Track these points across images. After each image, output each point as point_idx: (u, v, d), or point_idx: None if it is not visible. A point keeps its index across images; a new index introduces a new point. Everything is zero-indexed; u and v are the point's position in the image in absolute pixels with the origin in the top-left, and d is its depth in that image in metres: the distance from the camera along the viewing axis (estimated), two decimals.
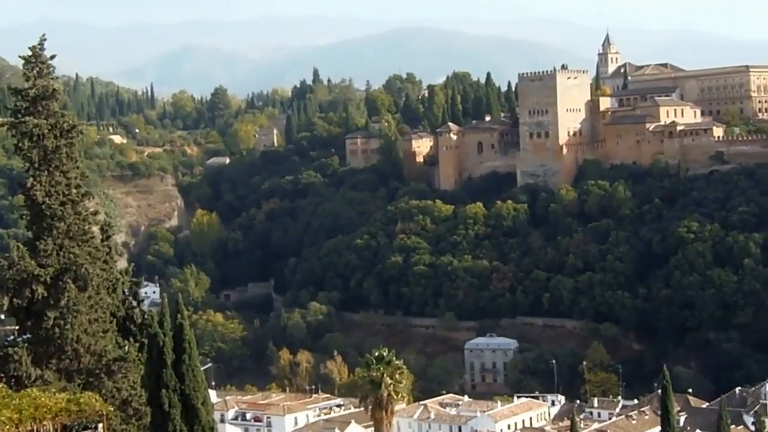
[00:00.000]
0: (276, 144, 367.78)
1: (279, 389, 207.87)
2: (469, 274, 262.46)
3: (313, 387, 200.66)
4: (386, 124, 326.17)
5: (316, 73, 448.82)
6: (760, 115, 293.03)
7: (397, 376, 78.78)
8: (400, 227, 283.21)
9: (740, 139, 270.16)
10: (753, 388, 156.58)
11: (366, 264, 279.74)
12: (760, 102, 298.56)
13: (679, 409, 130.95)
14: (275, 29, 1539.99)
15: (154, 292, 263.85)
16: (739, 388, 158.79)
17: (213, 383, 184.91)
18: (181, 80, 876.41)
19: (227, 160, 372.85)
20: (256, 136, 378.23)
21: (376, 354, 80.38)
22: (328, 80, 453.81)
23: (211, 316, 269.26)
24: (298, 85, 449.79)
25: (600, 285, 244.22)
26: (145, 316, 48.36)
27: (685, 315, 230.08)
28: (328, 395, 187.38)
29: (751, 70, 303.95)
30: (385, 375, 77.66)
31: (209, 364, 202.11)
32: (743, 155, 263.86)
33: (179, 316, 44.56)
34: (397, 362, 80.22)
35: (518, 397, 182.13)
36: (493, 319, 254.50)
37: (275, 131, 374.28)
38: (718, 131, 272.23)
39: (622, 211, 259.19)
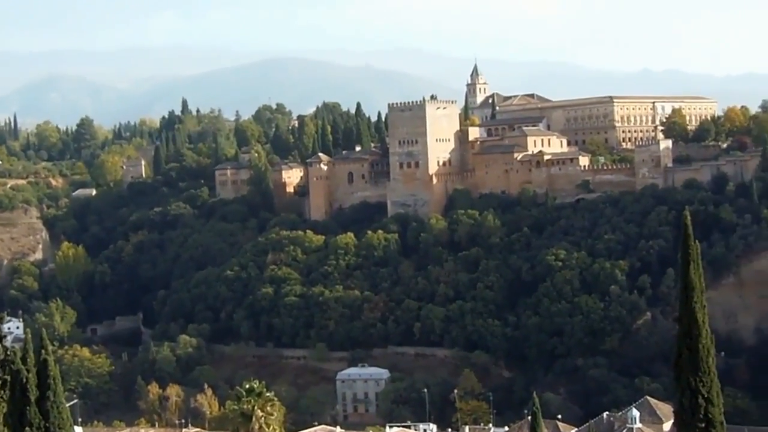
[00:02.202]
0: (144, 175, 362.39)
1: (148, 424, 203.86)
2: (341, 305, 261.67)
3: (183, 421, 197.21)
4: (256, 154, 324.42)
5: (184, 104, 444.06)
6: (623, 144, 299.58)
7: (268, 408, 77.79)
8: (271, 258, 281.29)
9: (605, 168, 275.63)
10: (620, 413, 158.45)
11: (236, 295, 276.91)
12: (623, 132, 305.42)
13: None
14: (143, 59, 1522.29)
15: (17, 328, 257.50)
16: (607, 413, 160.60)
17: (79, 420, 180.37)
18: (45, 110, 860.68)
19: (94, 192, 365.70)
20: (124, 167, 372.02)
21: (247, 386, 79.31)
22: (197, 111, 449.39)
23: (78, 351, 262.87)
24: (167, 116, 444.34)
25: (470, 313, 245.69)
26: (8, 353, 46.50)
27: (554, 342, 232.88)
28: (198, 429, 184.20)
29: (614, 100, 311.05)
30: (256, 407, 76.63)
31: (75, 400, 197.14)
32: (608, 184, 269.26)
33: (43, 351, 43.00)
34: (268, 394, 79.25)
35: (390, 426, 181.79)
36: (365, 349, 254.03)
37: (143, 162, 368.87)
38: (584, 160, 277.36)
39: (491, 239, 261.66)
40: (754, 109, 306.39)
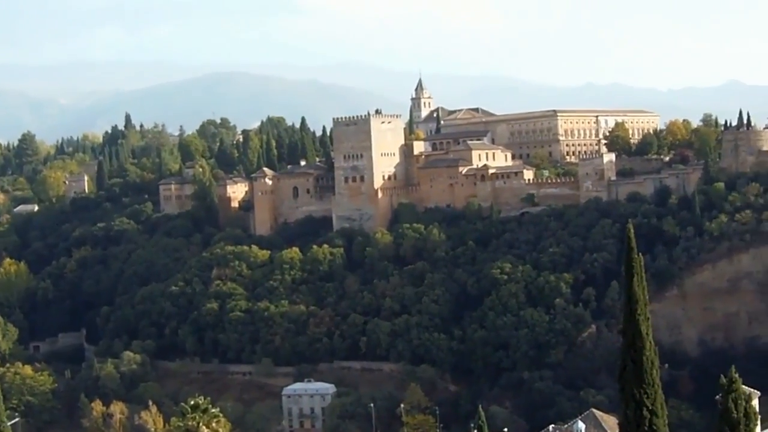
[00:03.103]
0: (87, 191, 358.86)
1: None
2: (286, 320, 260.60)
3: None
4: (200, 169, 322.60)
5: (128, 119, 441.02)
6: (567, 158, 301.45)
7: (213, 424, 76.92)
8: (216, 273, 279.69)
9: (549, 181, 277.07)
10: (566, 425, 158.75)
11: (181, 311, 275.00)
12: (567, 145, 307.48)
13: None
14: (86, 74, 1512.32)
15: None
16: (552, 425, 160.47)
17: None
18: None
19: (36, 208, 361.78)
20: (66, 182, 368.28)
21: (192, 402, 78.38)
22: (141, 126, 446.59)
23: (20, 369, 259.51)
24: (110, 131, 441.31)
25: (416, 327, 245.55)
26: None
27: (500, 355, 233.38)
28: None
29: (558, 114, 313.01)
30: (201, 424, 75.73)
31: (17, 419, 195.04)
32: (552, 197, 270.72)
33: None
34: (213, 410, 78.39)
35: None
36: (311, 364, 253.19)
37: (86, 178, 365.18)
38: (529, 174, 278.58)
39: (436, 253, 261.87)
40: (695, 122, 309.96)
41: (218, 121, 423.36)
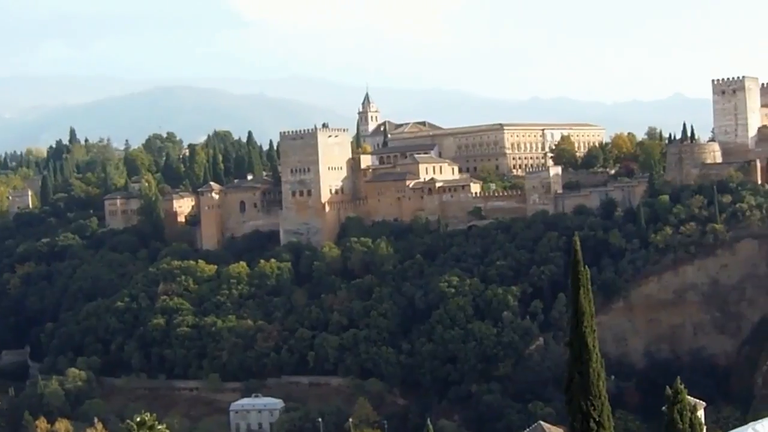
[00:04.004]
0: (31, 206, 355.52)
1: None
2: (234, 335, 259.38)
3: None
4: (146, 183, 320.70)
5: (72, 133, 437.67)
6: (514, 171, 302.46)
7: None
8: (162, 288, 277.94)
9: (496, 194, 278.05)
10: None
11: (127, 327, 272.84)
12: (514, 159, 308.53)
13: None
14: (29, 88, 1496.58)
15: None
16: None
17: None
18: None
19: None
20: (10, 197, 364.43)
21: (138, 419, 77.32)
22: (86, 140, 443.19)
23: None
24: (54, 145, 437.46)
25: (365, 341, 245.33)
26: None
27: (448, 368, 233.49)
28: None
29: (505, 128, 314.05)
30: None
31: None
32: (499, 210, 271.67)
33: None
34: (160, 427, 77.19)
35: None
36: (259, 379, 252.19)
37: (30, 192, 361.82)
38: (476, 187, 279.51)
39: (384, 267, 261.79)
40: (640, 135, 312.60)
41: (164, 135, 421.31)
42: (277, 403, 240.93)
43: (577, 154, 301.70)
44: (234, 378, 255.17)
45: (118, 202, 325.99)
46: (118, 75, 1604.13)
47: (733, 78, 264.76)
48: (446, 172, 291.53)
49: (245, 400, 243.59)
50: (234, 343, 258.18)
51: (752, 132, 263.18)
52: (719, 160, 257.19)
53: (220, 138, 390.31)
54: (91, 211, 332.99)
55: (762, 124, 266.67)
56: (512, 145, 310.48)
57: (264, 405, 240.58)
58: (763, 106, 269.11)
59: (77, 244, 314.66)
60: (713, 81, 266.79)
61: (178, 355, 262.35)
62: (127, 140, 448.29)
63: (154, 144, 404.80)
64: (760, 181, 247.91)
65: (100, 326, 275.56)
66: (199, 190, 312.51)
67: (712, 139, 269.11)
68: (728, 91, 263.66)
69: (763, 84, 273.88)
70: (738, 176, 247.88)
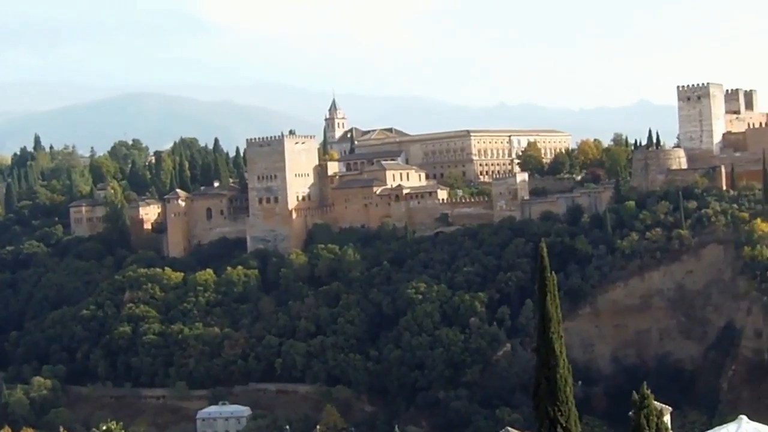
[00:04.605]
0: None
1: None
2: (201, 342, 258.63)
3: None
4: (112, 191, 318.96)
5: (37, 140, 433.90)
6: (481, 177, 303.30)
7: None
8: (128, 296, 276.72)
9: (463, 201, 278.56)
10: None
11: (93, 335, 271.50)
12: (480, 165, 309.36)
13: None
14: None
15: None
16: None
17: None
18: None
19: None
20: None
21: (104, 428, 77.27)
22: (51, 147, 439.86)
23: None
24: (19, 152, 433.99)
25: (332, 348, 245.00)
26: None
27: (416, 375, 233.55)
28: None
29: (471, 134, 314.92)
30: None
31: None
32: (466, 217, 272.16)
33: None
34: None
35: None
36: (226, 386, 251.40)
37: None
38: (443, 194, 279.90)
39: (351, 274, 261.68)
40: (606, 142, 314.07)
41: (130, 142, 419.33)
42: (244, 410, 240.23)
43: (544, 160, 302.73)
44: (201, 386, 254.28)
45: (84, 209, 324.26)
46: (83, 82, 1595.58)
47: (697, 84, 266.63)
48: (413, 179, 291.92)
49: (212, 408, 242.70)
50: (201, 351, 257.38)
51: (717, 138, 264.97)
52: (685, 166, 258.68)
53: (186, 145, 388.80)
54: (56, 218, 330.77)
55: (726, 131, 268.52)
56: (479, 151, 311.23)
57: (231, 412, 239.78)
58: (727, 112, 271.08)
59: (42, 251, 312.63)
60: (678, 88, 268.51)
61: (144, 363, 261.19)
62: (92, 147, 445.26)
63: (119, 151, 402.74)
64: (725, 187, 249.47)
65: (66, 334, 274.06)
66: (165, 197, 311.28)
67: (678, 146, 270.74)
68: (693, 97, 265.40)
69: (727, 90, 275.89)
70: (703, 182, 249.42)
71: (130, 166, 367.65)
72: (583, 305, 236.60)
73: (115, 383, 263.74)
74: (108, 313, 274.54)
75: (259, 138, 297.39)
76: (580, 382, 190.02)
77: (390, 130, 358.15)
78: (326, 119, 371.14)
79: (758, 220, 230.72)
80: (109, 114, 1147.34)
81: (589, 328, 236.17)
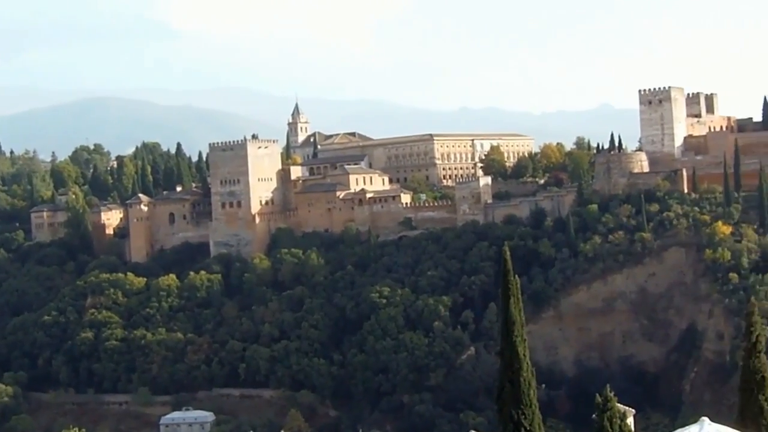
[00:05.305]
0: None
1: None
2: (164, 347, 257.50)
3: None
4: (74, 196, 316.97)
5: None
6: (444, 181, 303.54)
7: None
8: (91, 302, 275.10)
9: (427, 205, 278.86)
10: None
11: (55, 341, 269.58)
12: (444, 169, 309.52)
13: None
14: None
15: None
16: None
17: None
18: None
19: None
20: None
21: None
22: (11, 152, 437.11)
23: None
24: None
25: (296, 353, 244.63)
26: None
27: (380, 379, 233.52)
28: None
29: (435, 138, 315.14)
30: None
31: None
32: (430, 221, 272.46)
33: None
34: None
35: None
36: (189, 392, 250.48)
37: None
38: (406, 198, 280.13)
39: (315, 278, 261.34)
40: (569, 145, 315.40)
41: (92, 147, 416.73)
42: (207, 416, 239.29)
43: (507, 164, 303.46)
44: (164, 391, 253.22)
45: (45, 214, 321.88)
46: (44, 86, 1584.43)
47: (659, 88, 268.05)
48: (376, 183, 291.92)
49: (175, 414, 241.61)
50: (164, 356, 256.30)
51: (678, 142, 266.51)
52: (646, 169, 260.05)
53: (148, 149, 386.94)
54: (17, 224, 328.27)
55: (688, 134, 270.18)
56: (442, 155, 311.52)
57: (195, 418, 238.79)
58: (688, 116, 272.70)
59: (3, 257, 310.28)
60: (640, 91, 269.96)
61: (106, 369, 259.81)
62: (53, 152, 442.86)
63: (81, 156, 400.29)
64: (686, 190, 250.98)
65: (27, 341, 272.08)
66: (127, 202, 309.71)
67: (640, 149, 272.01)
68: (654, 101, 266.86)
69: (688, 94, 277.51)
70: (665, 185, 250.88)
71: (91, 171, 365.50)
72: (547, 308, 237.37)
73: (78, 389, 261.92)
74: (70, 318, 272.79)
75: (221, 142, 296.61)
76: (543, 385, 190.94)
77: (353, 134, 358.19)
78: (289, 123, 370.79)
79: (719, 223, 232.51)
80: (70, 119, 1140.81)
81: (553, 332, 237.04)
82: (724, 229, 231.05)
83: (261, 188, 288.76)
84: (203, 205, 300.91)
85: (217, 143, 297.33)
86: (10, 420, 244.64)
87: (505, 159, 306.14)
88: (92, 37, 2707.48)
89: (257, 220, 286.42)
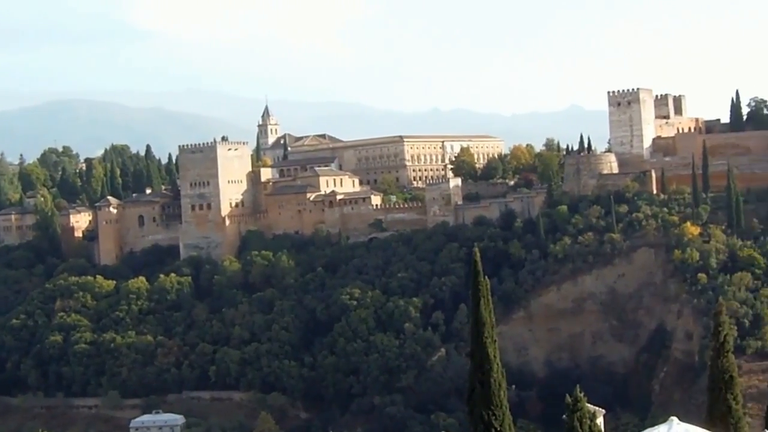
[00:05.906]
0: None
1: None
2: (133, 350, 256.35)
3: None
4: (42, 198, 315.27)
5: None
6: (414, 183, 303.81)
7: None
8: (60, 305, 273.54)
9: (397, 206, 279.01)
10: None
11: (23, 345, 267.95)
12: (414, 170, 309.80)
13: None
14: None
15: None
16: None
17: None
18: None
19: None
20: None
21: None
22: None
23: None
24: None
25: (266, 355, 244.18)
26: None
27: (351, 381, 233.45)
28: None
29: (405, 140, 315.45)
30: None
31: None
32: (400, 222, 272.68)
33: None
34: None
35: None
36: (159, 395, 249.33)
37: None
38: (376, 199, 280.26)
39: (285, 280, 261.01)
40: (538, 147, 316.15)
41: (60, 149, 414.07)
42: (178, 419, 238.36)
43: (477, 165, 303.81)
44: (134, 395, 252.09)
45: (13, 217, 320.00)
46: (11, 88, 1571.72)
47: (627, 90, 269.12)
48: (347, 185, 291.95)
49: (145, 417, 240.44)
50: (134, 360, 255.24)
51: (647, 143, 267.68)
52: (616, 170, 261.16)
53: (117, 152, 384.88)
54: None
55: (656, 135, 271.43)
56: (412, 157, 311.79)
57: (165, 421, 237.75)
58: (657, 117, 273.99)
59: None
60: (608, 93, 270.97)
61: (76, 373, 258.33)
62: (21, 154, 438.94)
63: (49, 158, 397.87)
64: (655, 191, 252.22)
65: None
66: (96, 204, 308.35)
67: (609, 150, 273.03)
68: (623, 102, 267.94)
69: (657, 96, 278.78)
70: (634, 186, 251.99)
71: (60, 173, 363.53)
72: (517, 309, 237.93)
73: (47, 393, 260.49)
74: (39, 322, 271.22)
75: (191, 144, 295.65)
76: (514, 386, 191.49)
77: (323, 136, 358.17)
78: (259, 125, 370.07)
79: (688, 224, 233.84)
80: (38, 121, 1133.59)
81: (523, 332, 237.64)
82: (693, 229, 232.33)
83: (231, 190, 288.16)
84: (173, 208, 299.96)
85: (187, 145, 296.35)
86: None
87: (475, 160, 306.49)
88: (60, 39, 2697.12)
89: (227, 222, 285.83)
